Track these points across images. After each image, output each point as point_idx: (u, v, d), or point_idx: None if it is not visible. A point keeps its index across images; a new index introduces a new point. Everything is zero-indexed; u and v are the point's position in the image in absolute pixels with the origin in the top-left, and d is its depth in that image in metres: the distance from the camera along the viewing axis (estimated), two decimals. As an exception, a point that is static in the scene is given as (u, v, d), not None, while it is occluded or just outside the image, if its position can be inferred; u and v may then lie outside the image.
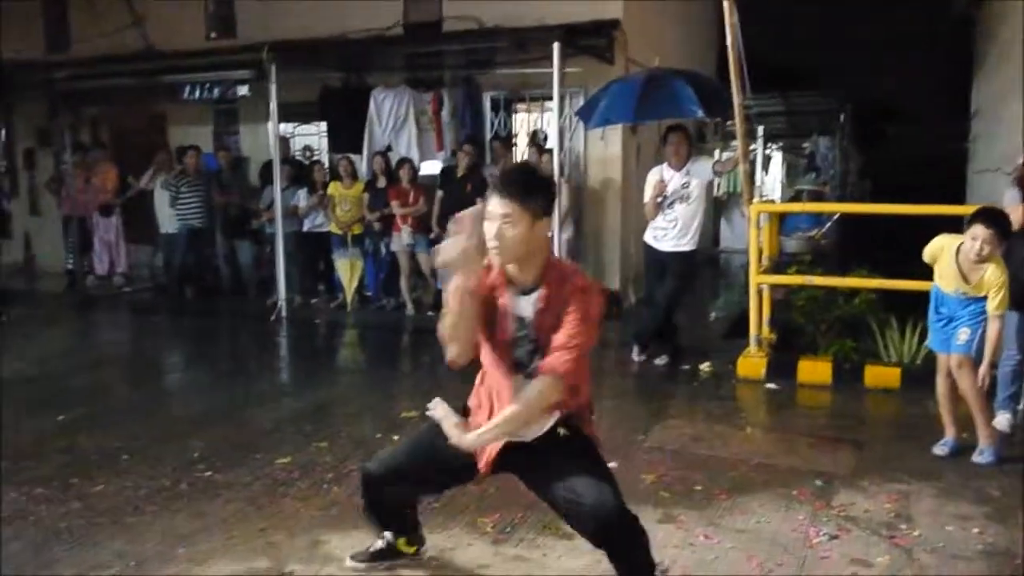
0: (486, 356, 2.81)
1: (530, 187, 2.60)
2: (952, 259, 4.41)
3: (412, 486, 3.10)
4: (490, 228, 2.58)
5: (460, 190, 8.22)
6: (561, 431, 2.79)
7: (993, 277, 4.27)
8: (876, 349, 6.23)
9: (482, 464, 2.80)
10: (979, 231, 4.22)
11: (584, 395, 2.86)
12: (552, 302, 2.65)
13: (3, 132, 13.29)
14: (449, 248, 2.60)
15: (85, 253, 10.81)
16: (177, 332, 8.95)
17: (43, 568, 3.32)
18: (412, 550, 3.27)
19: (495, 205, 2.57)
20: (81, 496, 4.05)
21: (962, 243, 4.35)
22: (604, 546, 2.74)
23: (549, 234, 2.82)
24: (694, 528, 3.63)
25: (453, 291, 2.64)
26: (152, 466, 4.45)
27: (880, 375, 5.90)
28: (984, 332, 4.34)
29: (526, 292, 2.68)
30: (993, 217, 4.30)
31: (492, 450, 2.78)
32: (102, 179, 10.74)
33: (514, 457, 2.80)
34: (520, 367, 2.73)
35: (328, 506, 3.90)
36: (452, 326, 2.69)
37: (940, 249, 4.50)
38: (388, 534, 3.22)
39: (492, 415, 2.77)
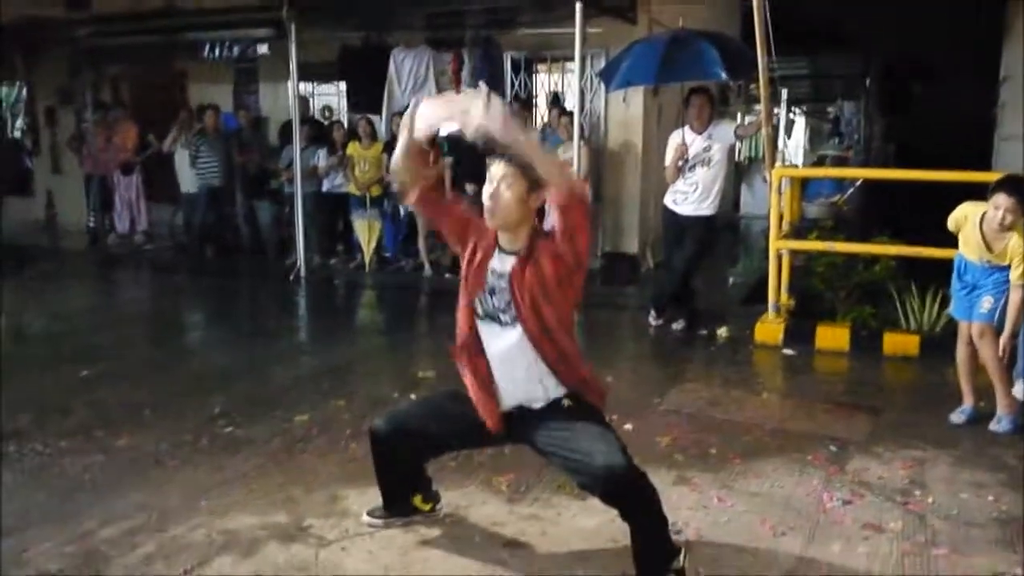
0: (461, 304, 2.94)
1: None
2: (976, 227, 4.36)
3: (418, 446, 3.15)
4: (487, 189, 2.73)
5: (472, 152, 8.18)
6: (566, 403, 2.87)
7: (1017, 246, 4.23)
8: (895, 316, 6.19)
9: (490, 423, 2.89)
10: (1001, 200, 4.18)
11: (581, 369, 2.93)
12: (532, 255, 2.78)
13: (25, 90, 13.34)
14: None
15: (106, 211, 10.89)
16: (197, 290, 9.03)
17: (68, 518, 3.39)
18: (428, 507, 3.32)
19: (496, 167, 2.72)
20: (104, 449, 4.13)
21: (985, 212, 4.30)
22: (615, 504, 2.78)
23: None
24: (708, 491, 3.66)
25: (403, 126, 2.80)
26: (174, 421, 4.52)
27: (899, 342, 5.87)
28: (1007, 301, 4.30)
29: (507, 254, 2.84)
30: (1016, 185, 4.25)
31: (498, 413, 2.89)
32: (123, 138, 10.77)
33: (521, 424, 2.90)
34: (493, 318, 2.86)
35: (346, 462, 3.96)
36: (396, 159, 2.90)
37: (964, 217, 4.45)
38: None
39: (469, 364, 2.94)
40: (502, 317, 2.86)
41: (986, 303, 4.36)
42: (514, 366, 2.86)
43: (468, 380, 2.95)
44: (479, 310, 2.89)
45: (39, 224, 12.51)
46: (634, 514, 2.80)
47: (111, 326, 7.12)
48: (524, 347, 2.83)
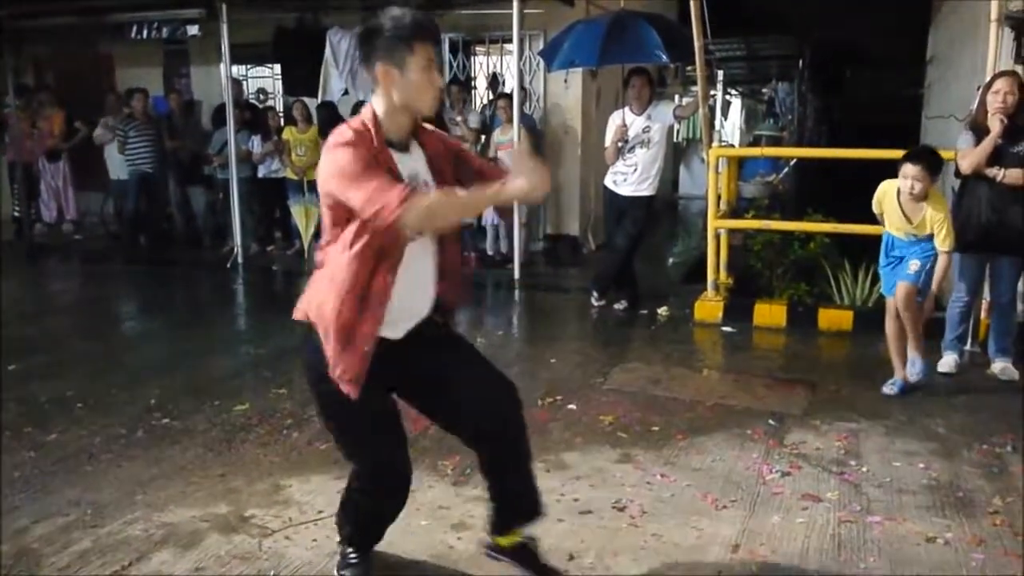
0: (373, 232, 2.36)
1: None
2: (895, 201, 4.53)
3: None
4: (435, 78, 2.40)
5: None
6: (437, 319, 2.61)
7: (933, 214, 4.40)
8: (830, 292, 6.36)
9: (347, 385, 2.44)
10: (908, 169, 4.39)
11: (459, 286, 2.68)
12: (436, 148, 2.53)
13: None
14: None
15: (32, 200, 10.49)
16: (130, 280, 8.78)
17: (-2, 517, 3.28)
18: None
19: (432, 51, 2.39)
20: (35, 445, 4.00)
21: (899, 188, 4.45)
22: (516, 435, 2.68)
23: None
24: (651, 468, 3.70)
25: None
26: (107, 414, 4.40)
27: (833, 318, 6.02)
28: (933, 267, 4.45)
29: (403, 150, 2.46)
30: (919, 154, 4.48)
31: (360, 369, 2.43)
32: (48, 123, 10.38)
33: (394, 366, 2.51)
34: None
35: (288, 451, 3.90)
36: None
37: (884, 194, 4.61)
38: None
39: (367, 294, 2.40)
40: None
41: (913, 265, 4.51)
42: (409, 282, 2.47)
43: (371, 317, 2.41)
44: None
45: (-40, 214, 12.01)
46: (525, 442, 2.71)
47: (40, 319, 6.89)
48: (432, 250, 2.54)
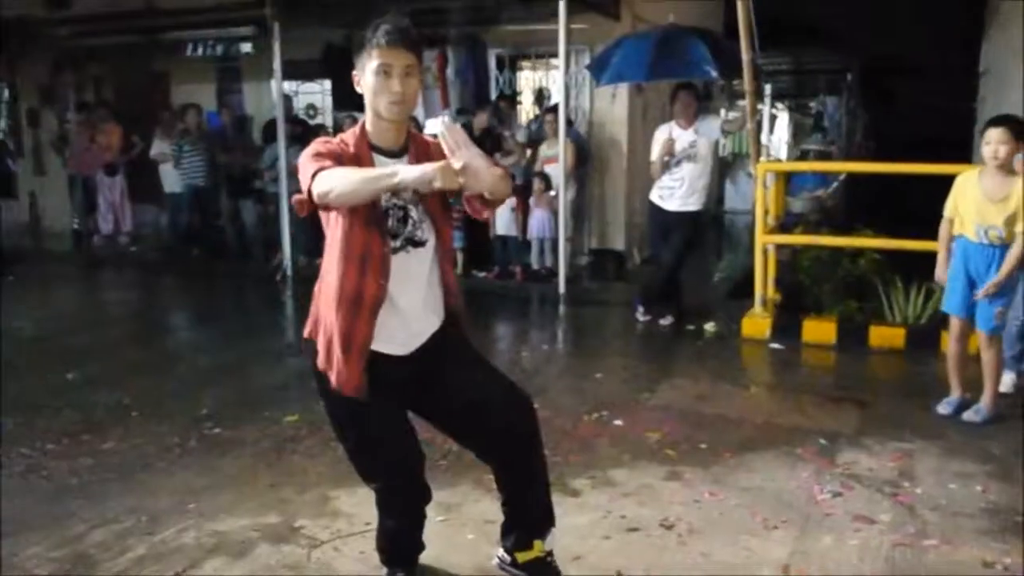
0: (352, 234, 2.44)
1: (419, 39, 2.49)
2: (976, 187, 4.33)
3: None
4: (392, 83, 2.39)
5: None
6: (445, 332, 2.67)
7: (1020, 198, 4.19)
8: (881, 309, 6.23)
9: (352, 392, 2.48)
10: (991, 134, 4.26)
11: (459, 297, 2.71)
12: (418, 156, 2.50)
13: (7, 91, 13.21)
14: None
15: (90, 213, 10.80)
16: (183, 291, 8.98)
17: (55, 522, 3.36)
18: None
19: (397, 57, 2.37)
20: (92, 452, 4.10)
21: (981, 169, 4.35)
22: (533, 443, 2.70)
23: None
24: (699, 486, 3.67)
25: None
26: (161, 423, 4.49)
27: (885, 335, 5.91)
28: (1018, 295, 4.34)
29: (390, 155, 2.49)
30: (1002, 119, 4.38)
31: (357, 374, 2.47)
32: (106, 138, 10.69)
33: (406, 383, 2.57)
34: (392, 237, 2.48)
35: (336, 463, 3.92)
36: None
37: (958, 187, 4.45)
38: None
39: (357, 301, 2.45)
40: (417, 235, 2.51)
41: (999, 315, 4.36)
42: (411, 297, 2.53)
43: (364, 324, 2.47)
44: (395, 238, 2.48)
45: (23, 226, 12.39)
46: (539, 456, 2.73)
47: (97, 328, 7.07)
48: (432, 266, 2.57)
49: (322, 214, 2.50)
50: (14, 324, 6.97)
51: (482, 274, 8.37)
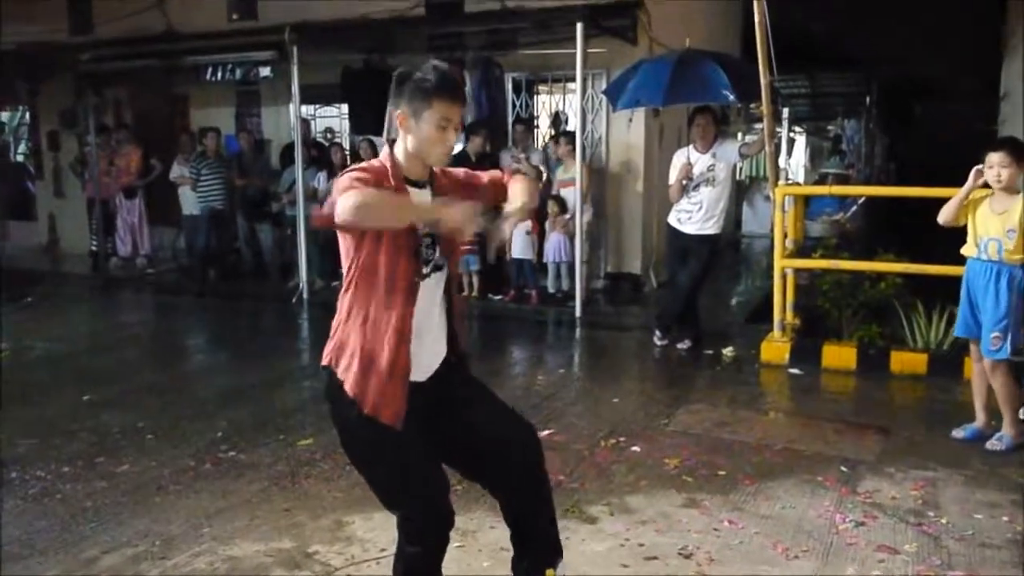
0: (388, 259, 2.46)
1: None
2: (984, 205, 4.38)
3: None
4: (449, 136, 2.49)
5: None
6: (452, 359, 2.67)
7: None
8: (902, 335, 6.15)
9: (391, 417, 2.47)
10: (992, 159, 4.31)
11: (463, 321, 2.82)
12: (444, 190, 2.59)
13: (27, 115, 13.39)
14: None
15: (109, 235, 10.88)
16: (199, 313, 9.00)
17: (69, 546, 3.35)
18: None
19: (455, 112, 2.48)
20: (107, 475, 4.09)
21: (989, 194, 4.37)
22: (540, 479, 2.72)
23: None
24: (718, 513, 3.61)
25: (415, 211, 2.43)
26: (176, 446, 4.48)
27: (906, 361, 5.82)
28: (1017, 321, 4.27)
29: (419, 186, 2.56)
30: (1002, 142, 4.45)
31: (401, 400, 2.48)
32: (126, 161, 10.79)
33: (424, 405, 2.55)
34: (423, 263, 2.53)
35: (351, 487, 3.90)
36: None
37: (974, 199, 4.46)
38: None
39: (390, 327, 2.47)
40: (428, 266, 2.56)
41: (995, 340, 4.31)
42: (431, 322, 2.58)
43: (405, 350, 2.48)
44: (425, 264, 2.54)
45: (41, 248, 12.50)
46: (547, 484, 2.76)
47: (114, 350, 7.09)
48: (442, 294, 2.62)
49: (347, 239, 2.49)
50: (32, 346, 7.01)
51: (497, 297, 8.35)
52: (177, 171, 10.15)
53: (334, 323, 2.55)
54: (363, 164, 2.52)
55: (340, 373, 2.49)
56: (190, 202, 9.97)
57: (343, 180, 2.40)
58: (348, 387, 2.47)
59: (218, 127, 10.17)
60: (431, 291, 2.55)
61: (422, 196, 2.53)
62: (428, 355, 2.57)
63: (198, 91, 11.21)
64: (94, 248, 11.01)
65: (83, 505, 3.74)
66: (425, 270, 2.53)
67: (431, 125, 2.45)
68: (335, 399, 2.51)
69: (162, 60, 10.23)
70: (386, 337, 2.46)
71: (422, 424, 2.57)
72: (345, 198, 2.28)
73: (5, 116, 14.08)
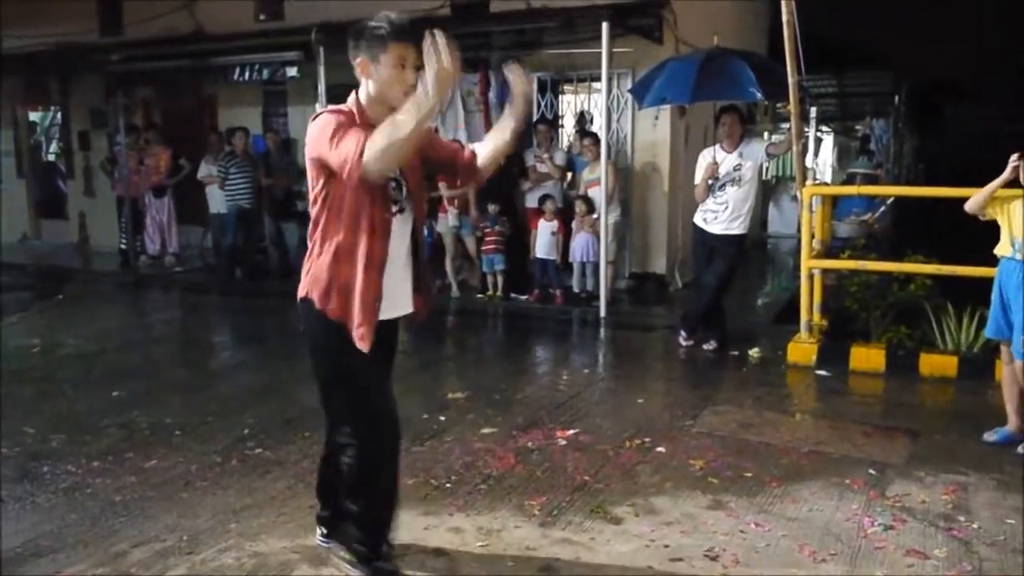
0: (360, 200, 2.72)
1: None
2: (1018, 206, 4.33)
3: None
4: (407, 75, 2.67)
5: (501, 173, 8.26)
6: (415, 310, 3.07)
7: None
8: (932, 337, 6.07)
9: (362, 341, 2.79)
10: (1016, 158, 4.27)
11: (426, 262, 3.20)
12: None
13: (59, 114, 13.58)
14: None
15: (137, 233, 11.01)
16: (226, 311, 9.09)
17: (99, 540, 3.38)
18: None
19: (411, 51, 2.66)
20: (135, 470, 4.13)
21: (1021, 195, 4.31)
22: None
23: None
24: (744, 515, 3.58)
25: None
26: (203, 442, 4.52)
27: (936, 363, 5.75)
28: None
29: None
30: None
31: (373, 323, 2.80)
32: (155, 160, 10.91)
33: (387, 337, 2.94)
34: (392, 201, 2.82)
35: (376, 485, 3.92)
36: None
37: (999, 206, 4.40)
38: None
39: (368, 260, 2.76)
40: (406, 202, 2.88)
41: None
42: (399, 260, 2.88)
43: (364, 289, 2.77)
44: (394, 203, 2.83)
45: (72, 246, 12.68)
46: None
47: (142, 347, 7.18)
48: (409, 235, 2.92)
49: (319, 178, 2.75)
50: (64, 341, 7.11)
51: (522, 297, 8.35)
52: (205, 170, 10.26)
53: (306, 259, 2.87)
54: (331, 107, 2.75)
55: (318, 302, 2.80)
56: (218, 201, 10.06)
57: (325, 125, 2.64)
58: (327, 312, 2.79)
59: (246, 127, 10.25)
60: (400, 229, 2.84)
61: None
62: (395, 290, 2.86)
63: (226, 91, 11.32)
64: (123, 246, 11.14)
65: (112, 500, 3.79)
66: (394, 208, 2.82)
67: (388, 67, 2.69)
68: (313, 325, 2.85)
69: (191, 60, 10.34)
70: (361, 267, 2.76)
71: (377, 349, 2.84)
72: (357, 147, 2.49)
73: (37, 116, 14.28)
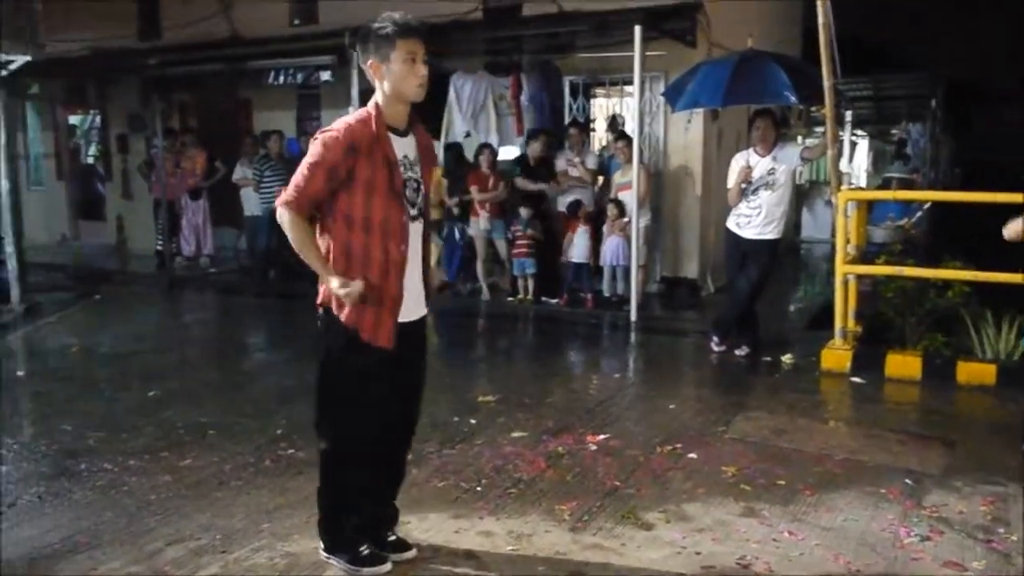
0: (376, 206, 2.84)
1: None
2: None
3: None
4: (419, 68, 2.82)
5: (534, 177, 8.32)
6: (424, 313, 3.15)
7: None
8: (970, 344, 5.98)
9: (386, 341, 2.91)
10: None
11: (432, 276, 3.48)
12: (423, 140, 3.01)
13: (98, 118, 13.82)
14: None
15: (173, 235, 11.16)
16: (260, 313, 9.18)
17: (136, 537, 3.43)
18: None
19: (419, 45, 2.82)
20: (170, 469, 4.18)
21: None
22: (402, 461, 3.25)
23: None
24: (778, 524, 3.54)
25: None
26: (237, 442, 4.57)
27: (974, 371, 5.66)
28: None
29: (401, 135, 2.91)
30: None
31: (393, 326, 2.93)
32: (191, 163, 11.07)
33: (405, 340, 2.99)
34: (410, 206, 2.92)
35: (406, 488, 3.88)
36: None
37: None
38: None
39: (386, 263, 2.87)
40: (423, 207, 2.98)
41: None
42: (415, 263, 2.98)
43: (397, 283, 2.91)
44: (412, 207, 2.93)
45: (110, 247, 12.89)
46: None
47: (177, 347, 7.28)
48: (420, 240, 3.01)
49: (339, 189, 2.83)
50: (102, 341, 7.23)
51: (553, 300, 8.34)
52: (240, 173, 10.38)
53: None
54: (337, 128, 2.82)
55: (335, 309, 2.90)
56: (252, 203, 10.17)
57: (314, 150, 2.80)
58: (345, 318, 2.88)
59: (280, 130, 10.36)
60: (415, 234, 2.94)
61: (407, 146, 2.92)
62: (413, 294, 2.96)
63: (261, 95, 11.44)
64: (159, 248, 11.30)
65: (148, 498, 3.84)
66: (412, 211, 2.91)
67: (399, 63, 2.79)
68: (331, 330, 2.94)
69: (226, 65, 10.47)
70: (382, 271, 2.85)
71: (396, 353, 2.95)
72: (285, 212, 2.84)
73: (77, 119, 14.55)
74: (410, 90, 2.83)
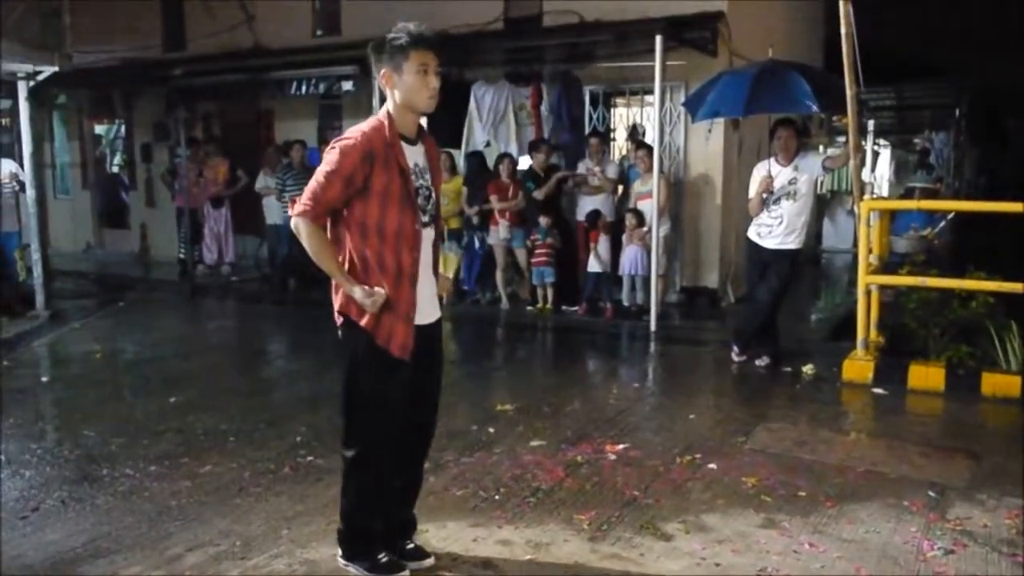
0: (390, 214, 2.86)
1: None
2: None
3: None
4: (431, 80, 2.85)
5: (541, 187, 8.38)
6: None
7: None
8: (994, 355, 5.90)
9: (401, 349, 2.93)
10: None
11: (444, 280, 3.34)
12: (432, 149, 3.05)
13: (123, 127, 14.00)
14: None
15: (196, 243, 11.26)
16: (281, 321, 9.24)
17: (156, 542, 3.46)
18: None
19: (431, 57, 2.85)
20: (191, 475, 4.21)
21: None
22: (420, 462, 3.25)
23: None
24: (798, 535, 3.51)
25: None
26: (257, 449, 4.59)
27: (999, 383, 5.58)
28: None
29: (412, 143, 2.95)
30: None
31: (409, 335, 2.96)
32: (213, 172, 11.18)
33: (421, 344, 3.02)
34: (422, 213, 2.95)
35: (424, 495, 3.90)
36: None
37: None
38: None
39: (399, 272, 2.90)
40: (434, 214, 3.02)
41: None
42: (428, 270, 3.03)
43: (410, 291, 2.94)
44: (423, 214, 2.96)
45: (134, 255, 13.03)
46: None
47: (199, 354, 7.33)
48: (432, 247, 3.06)
49: (353, 198, 2.85)
50: (125, 348, 7.30)
51: (572, 309, 8.33)
52: (262, 182, 10.47)
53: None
54: (353, 135, 2.84)
55: (354, 315, 2.92)
56: (274, 212, 10.25)
57: (330, 159, 2.81)
58: (364, 325, 2.90)
59: (303, 140, 10.45)
60: (427, 241, 2.98)
61: (418, 154, 2.96)
62: (426, 299, 3.00)
63: (283, 105, 11.54)
64: (182, 256, 11.40)
65: (168, 504, 3.87)
66: (424, 218, 2.94)
67: (411, 73, 2.83)
68: (350, 336, 2.96)
69: (250, 75, 10.58)
70: (395, 279, 2.88)
71: (414, 357, 2.98)
72: (316, 202, 2.83)
73: (102, 129, 14.74)
74: (421, 102, 2.87)
